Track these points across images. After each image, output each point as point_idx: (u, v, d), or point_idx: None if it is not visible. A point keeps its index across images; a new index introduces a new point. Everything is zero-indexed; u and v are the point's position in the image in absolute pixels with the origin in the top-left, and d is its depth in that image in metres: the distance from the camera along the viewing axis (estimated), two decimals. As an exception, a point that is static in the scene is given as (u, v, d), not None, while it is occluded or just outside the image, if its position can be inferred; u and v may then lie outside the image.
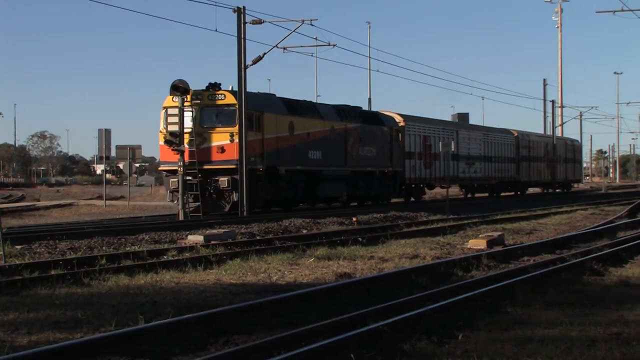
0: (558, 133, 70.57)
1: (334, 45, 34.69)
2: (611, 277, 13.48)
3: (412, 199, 42.19)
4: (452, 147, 31.53)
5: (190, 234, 20.10)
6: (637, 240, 18.67)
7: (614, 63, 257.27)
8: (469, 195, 53.53)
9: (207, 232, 20.39)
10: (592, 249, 17.13)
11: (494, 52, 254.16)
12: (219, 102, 29.01)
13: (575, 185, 72.91)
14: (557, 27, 79.35)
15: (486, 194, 53.76)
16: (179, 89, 28.13)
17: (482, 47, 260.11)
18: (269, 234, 21.76)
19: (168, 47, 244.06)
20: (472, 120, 61.18)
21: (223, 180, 28.38)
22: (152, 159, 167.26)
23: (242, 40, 30.53)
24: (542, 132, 71.98)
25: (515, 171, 55.64)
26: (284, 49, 34.39)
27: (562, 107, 78.84)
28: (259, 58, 31.56)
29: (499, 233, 19.84)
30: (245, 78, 30.46)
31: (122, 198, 52.03)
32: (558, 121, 75.59)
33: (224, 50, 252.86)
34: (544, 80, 74.60)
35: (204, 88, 29.27)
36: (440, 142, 43.35)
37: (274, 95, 32.60)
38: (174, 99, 28.67)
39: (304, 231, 23.21)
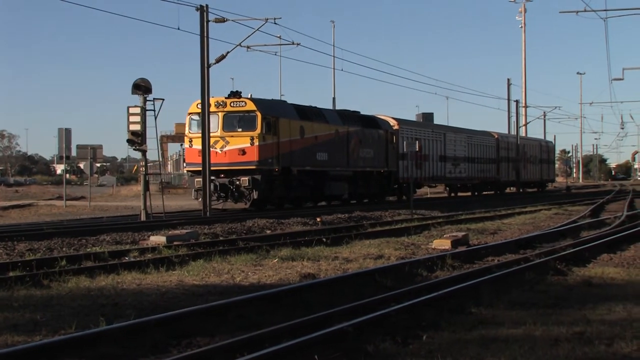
0: (522, 133, 71.21)
1: (297, 44, 34.71)
2: (574, 277, 13.62)
3: (404, 197, 43.99)
4: (417, 146, 31.80)
5: (153, 235, 19.99)
6: (599, 240, 18.90)
7: (577, 64, 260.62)
8: (452, 195, 55.37)
9: (170, 232, 20.29)
10: (555, 248, 17.29)
11: (458, 52, 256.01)
12: (240, 108, 31.54)
13: (550, 184, 74.73)
14: (521, 27, 79.88)
15: (468, 193, 56.00)
16: (140, 87, 27.94)
17: (446, 47, 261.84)
18: (233, 235, 21.70)
19: (129, 45, 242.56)
20: (437, 120, 61.89)
21: (244, 180, 30.87)
22: (114, 158, 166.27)
23: (205, 38, 30.41)
24: (506, 131, 72.78)
25: (496, 171, 57.98)
26: (248, 47, 34.33)
27: (526, 106, 79.40)
28: (222, 57, 31.46)
29: (463, 233, 19.96)
30: (208, 77, 30.38)
31: (83, 198, 51.57)
32: (522, 121, 76.29)
33: (187, 49, 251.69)
34: (508, 80, 74.91)
35: (226, 96, 31.83)
36: (430, 145, 44.52)
37: (286, 101, 35.25)
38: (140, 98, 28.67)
39: (268, 231, 23.18)
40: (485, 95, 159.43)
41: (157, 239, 19.02)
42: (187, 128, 32.47)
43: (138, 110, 28.09)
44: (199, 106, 31.26)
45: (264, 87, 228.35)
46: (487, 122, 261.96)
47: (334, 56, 59.23)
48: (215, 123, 31.29)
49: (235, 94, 31.96)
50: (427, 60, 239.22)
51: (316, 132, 35.18)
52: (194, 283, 12.78)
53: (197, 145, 31.27)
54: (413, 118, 56.46)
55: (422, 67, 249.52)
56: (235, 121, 31.61)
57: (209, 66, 30.42)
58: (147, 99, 28.09)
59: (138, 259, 15.76)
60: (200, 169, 30.55)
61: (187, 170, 33.30)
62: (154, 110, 28.53)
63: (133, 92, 28.31)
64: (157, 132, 28.40)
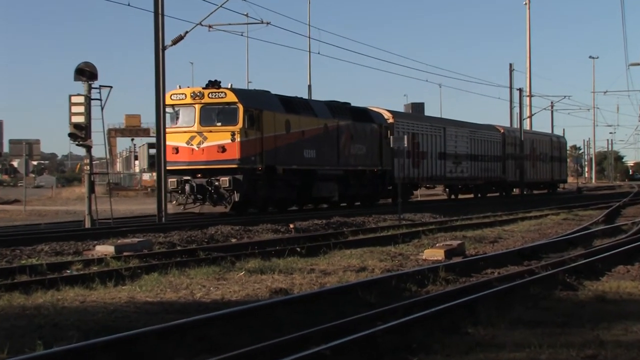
0: (526, 126, 71.59)
1: (267, 24, 34.73)
2: (586, 292, 13.72)
3: (401, 200, 43.69)
4: (405, 142, 31.91)
5: (99, 244, 19.93)
6: (615, 250, 19.04)
7: (590, 46, 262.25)
8: (453, 197, 55.91)
9: (119, 241, 20.23)
10: (564, 259, 17.41)
11: (452, 33, 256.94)
12: (220, 100, 32.00)
13: (561, 185, 75.12)
14: (525, 3, 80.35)
15: (471, 195, 56.55)
16: (84, 73, 27.82)
17: (439, 27, 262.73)
18: (192, 244, 21.67)
19: (71, 24, 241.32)
20: (428, 112, 62.21)
21: (224, 180, 31.31)
22: (53, 155, 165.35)
23: (160, 16, 30.30)
24: (508, 124, 73.11)
25: (502, 170, 58.46)
26: (210, 27, 34.26)
27: (530, 95, 79.84)
28: (180, 37, 31.38)
29: (459, 242, 20.06)
30: (163, 61, 30.28)
31: (17, 202, 51.26)
32: (527, 112, 76.67)
33: (140, 29, 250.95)
34: (510, 65, 75.31)
35: (204, 86, 32.22)
36: (428, 141, 44.92)
37: (269, 92, 35.37)
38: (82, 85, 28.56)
39: (233, 240, 23.16)
40: (484, 83, 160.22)
41: (104, 249, 18.94)
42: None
43: (82, 99, 27.96)
44: (174, 97, 32.01)
45: (228, 73, 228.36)
46: (487, 115, 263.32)
47: (309, 37, 59.12)
48: (192, 116, 31.88)
49: (214, 84, 32.35)
50: (416, 42, 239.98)
51: (303, 126, 35.75)
52: (147, 300, 12.75)
53: (172, 141, 31.62)
54: (401, 109, 56.65)
55: (411, 51, 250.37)
56: (214, 114, 32.11)
57: (164, 48, 30.32)
58: (93, 86, 27.95)
59: (82, 272, 15.68)
60: (175, 167, 31.25)
61: None
62: (101, 100, 28.40)
63: (76, 79, 28.17)
64: (104, 124, 28.35)
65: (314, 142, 36.44)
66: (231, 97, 32.02)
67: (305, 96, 52.41)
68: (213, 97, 32.07)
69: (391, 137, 32.84)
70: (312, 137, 36.32)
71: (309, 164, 36.06)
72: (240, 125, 31.71)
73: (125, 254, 18.15)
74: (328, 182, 37.47)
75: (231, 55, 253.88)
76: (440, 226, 27.60)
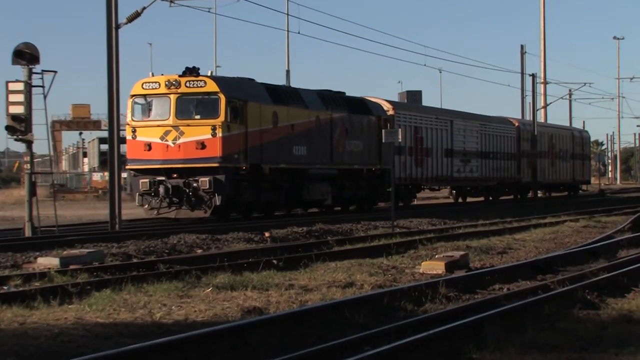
0: (540, 117, 71.80)
1: (239, -1, 34.78)
2: (609, 311, 13.77)
3: (401, 204, 45.02)
4: (399, 136, 31.94)
5: (41, 256, 19.85)
6: (643, 262, 19.09)
7: (614, 26, 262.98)
8: (460, 200, 56.42)
9: (65, 253, 20.18)
10: (584, 273, 17.46)
11: (454, 10, 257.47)
12: (198, 89, 32.21)
13: (584, 187, 75.43)
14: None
15: (481, 198, 57.00)
16: (24, 55, 27.72)
17: (440, 5, 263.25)
18: (151, 255, 21.63)
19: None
20: (426, 100, 62.39)
21: (204, 181, 31.46)
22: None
23: (114, -11, 30.27)
24: (519, 115, 73.42)
25: (517, 170, 58.77)
26: (171, 1, 34.20)
27: (545, 82, 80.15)
28: (137, 14, 31.30)
29: (462, 253, 20.09)
30: (117, 43, 30.23)
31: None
32: (541, 102, 76.90)
33: (90, 6, 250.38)
34: (522, 47, 75.71)
35: (180, 73, 32.30)
36: (433, 135, 45.13)
37: (254, 80, 35.64)
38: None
39: (199, 251, 23.13)
40: (492, 68, 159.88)
41: (48, 261, 18.87)
42: (128, 114, 32.98)
43: (21, 86, 27.90)
44: (146, 86, 32.20)
45: (193, 57, 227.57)
46: (495, 105, 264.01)
47: (287, 14, 59.22)
48: (166, 108, 32.04)
49: (191, 71, 32.47)
50: (412, 20, 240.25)
51: (292, 119, 36.06)
52: (98, 321, 12.72)
53: (143, 136, 31.87)
54: (394, 97, 56.78)
55: (406, 30, 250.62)
56: (192, 106, 32.28)
57: (117, 27, 30.27)
58: (34, 71, 27.87)
59: (21, 288, 15.62)
60: (147, 166, 31.64)
61: (130, 169, 34.17)
62: (43, 87, 28.33)
63: (14, 62, 28.07)
64: (47, 116, 28.26)
65: (304, 138, 36.69)
66: (212, 86, 32.16)
67: (283, 83, 52.38)
68: (191, 86, 32.17)
69: (383, 130, 32.84)
70: (303, 131, 36.58)
71: (299, 163, 36.34)
72: (222, 118, 31.85)
73: (72, 267, 18.08)
74: (320, 183, 37.81)
75: (197, 35, 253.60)
76: (440, 234, 27.63)
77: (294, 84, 55.17)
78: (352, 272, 18.21)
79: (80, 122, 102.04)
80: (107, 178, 37.87)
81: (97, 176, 76.27)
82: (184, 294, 15.19)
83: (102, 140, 77.07)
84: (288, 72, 63.58)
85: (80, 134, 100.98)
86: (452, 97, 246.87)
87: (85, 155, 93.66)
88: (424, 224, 33.82)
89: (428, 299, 14.62)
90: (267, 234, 26.18)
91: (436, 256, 20.01)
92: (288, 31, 61.92)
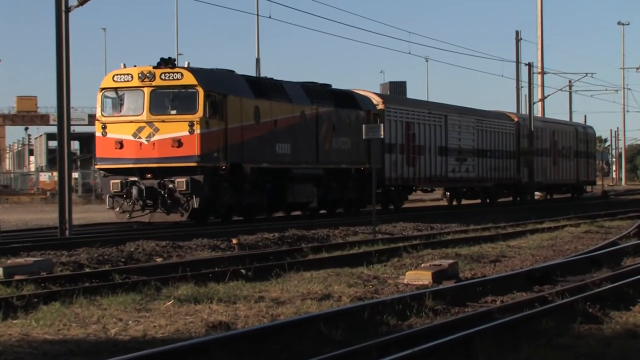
0: (537, 111, 72.07)
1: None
2: (613, 326, 13.83)
3: (392, 207, 46.09)
4: (381, 132, 31.98)
5: (-18, 266, 19.77)
6: (650, 271, 19.18)
7: (617, 10, 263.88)
8: (455, 203, 57.05)
9: (9, 262, 20.10)
10: (585, 284, 17.53)
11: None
12: (175, 82, 32.71)
13: (589, 188, 75.91)
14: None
15: (477, 200, 57.87)
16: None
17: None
18: (105, 264, 21.60)
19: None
20: (410, 92, 62.58)
21: (180, 182, 31.95)
22: None
23: (63, -32, 30.18)
24: (514, 108, 73.79)
25: (516, 169, 59.57)
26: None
27: (542, 72, 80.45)
28: (89, -5, 31.23)
29: (451, 261, 20.10)
30: (67, 28, 30.12)
31: None
32: (538, 94, 77.19)
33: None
34: (517, 33, 75.91)
35: (155, 65, 32.77)
36: (426, 132, 45.51)
37: (234, 72, 36.28)
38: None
39: (159, 259, 23.10)
40: (484, 56, 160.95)
41: (-10, 271, 18.79)
42: (98, 109, 33.47)
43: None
44: (118, 78, 32.80)
45: (153, 44, 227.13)
46: (487, 98, 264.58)
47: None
48: (140, 102, 32.55)
49: (167, 62, 32.88)
50: (396, 4, 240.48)
51: (275, 114, 36.72)
52: (46, 337, 12.69)
53: (115, 133, 32.26)
54: (376, 89, 56.90)
55: (389, 15, 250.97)
56: (168, 100, 32.80)
57: (67, 10, 30.19)
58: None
59: (-40, 301, 15.57)
60: (119, 166, 32.27)
61: (100, 168, 34.58)
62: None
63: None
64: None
65: (288, 135, 37.30)
66: (189, 79, 32.57)
67: (252, 73, 52.39)
68: (166, 78, 32.57)
69: (364, 125, 32.93)
70: (287, 128, 37.20)
71: (283, 162, 36.98)
72: (200, 113, 32.32)
73: (17, 277, 18.00)
74: (305, 184, 38.46)
75: (156, 21, 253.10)
76: (427, 241, 27.68)
77: (265, 74, 55.17)
78: (329, 283, 18.23)
79: (26, 116, 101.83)
80: (56, 178, 37.74)
81: (44, 176, 76.18)
82: (142, 308, 15.17)
83: (50, 137, 76.92)
84: (258, 60, 63.65)
85: (26, 129, 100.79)
86: (440, 89, 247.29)
87: (31, 153, 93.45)
88: (409, 229, 33.88)
89: (413, 312, 14.64)
90: (234, 241, 26.16)
91: (422, 265, 20.06)
92: (258, 15, 62.00)
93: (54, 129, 46.96)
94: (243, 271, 19.54)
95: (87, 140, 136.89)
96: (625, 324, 13.86)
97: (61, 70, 29.96)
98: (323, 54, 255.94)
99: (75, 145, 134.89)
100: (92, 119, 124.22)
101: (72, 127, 33.03)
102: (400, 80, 61.01)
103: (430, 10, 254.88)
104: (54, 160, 52.24)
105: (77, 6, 30.77)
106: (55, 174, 39.10)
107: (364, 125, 33.11)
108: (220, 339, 11.86)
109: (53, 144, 75.00)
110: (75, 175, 72.94)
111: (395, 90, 57.89)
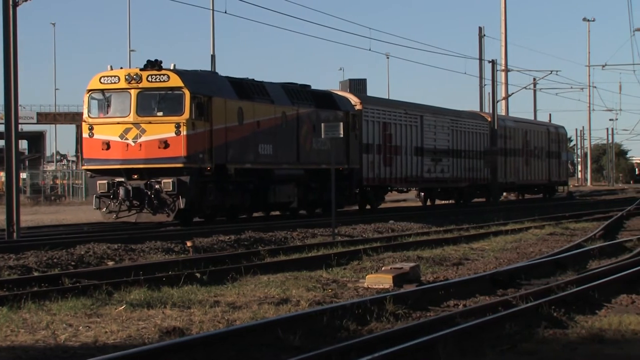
0: (501, 110, 72.39)
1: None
2: (578, 330, 13.89)
3: (368, 207, 47.13)
4: (340, 131, 32.03)
5: None
6: (616, 274, 19.27)
7: (583, 7, 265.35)
8: (429, 204, 57.67)
9: (-46, 265, 19.98)
10: (550, 287, 17.58)
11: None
12: (161, 84, 33.91)
13: (560, 189, 76.82)
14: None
15: (451, 201, 59.00)
16: None
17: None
18: (55, 268, 21.53)
19: None
20: (371, 90, 62.87)
21: (167, 183, 33.07)
22: None
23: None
24: (477, 106, 74.29)
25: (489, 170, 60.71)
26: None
27: (506, 70, 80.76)
28: (38, -11, 31.10)
29: (412, 264, 20.15)
30: (14, 22, 29.94)
31: None
32: (502, 92, 77.45)
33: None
34: (480, 29, 76.20)
35: (142, 67, 34.06)
36: (402, 132, 45.96)
37: (217, 73, 38.53)
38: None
39: (110, 263, 23.04)
40: (447, 53, 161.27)
41: None
42: (85, 111, 34.72)
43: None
44: (105, 80, 33.94)
45: (103, 39, 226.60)
46: (450, 96, 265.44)
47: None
48: (126, 104, 33.73)
49: (153, 64, 33.97)
50: (357, 0, 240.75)
51: (258, 115, 37.99)
52: (-8, 344, 12.62)
53: (101, 134, 33.29)
54: (335, 86, 56.92)
55: (349, 11, 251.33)
56: (155, 102, 34.04)
57: (15, 4, 30.03)
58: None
59: None
60: (106, 167, 33.51)
61: (87, 169, 35.75)
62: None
63: None
64: None
65: (270, 135, 38.49)
66: (175, 81, 33.72)
67: (209, 69, 52.36)
68: (153, 80, 33.69)
69: (323, 124, 33.09)
70: (269, 129, 38.43)
71: (265, 163, 38.26)
72: (186, 115, 33.51)
73: (-38, 282, 17.94)
74: (286, 185, 39.73)
75: (107, 14, 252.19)
76: (387, 243, 27.71)
77: (220, 71, 55.09)
78: (286, 287, 18.23)
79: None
80: (3, 179, 37.52)
81: (-10, 176, 75.53)
82: (93, 313, 15.11)
83: (-5, 135, 76.40)
84: (213, 57, 63.45)
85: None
86: (401, 87, 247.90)
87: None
88: (369, 231, 33.93)
89: (374, 317, 14.66)
90: (189, 244, 26.12)
91: (383, 268, 20.06)
92: (213, 10, 61.89)
93: (0, 128, 46.69)
94: (198, 275, 19.52)
95: (36, 139, 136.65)
96: (591, 329, 13.91)
97: (9, 65, 29.77)
98: (281, 51, 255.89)
99: (23, 144, 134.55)
100: (40, 117, 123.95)
101: (20, 126, 32.94)
102: (361, 78, 60.96)
103: (392, 6, 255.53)
104: (1, 160, 51.89)
105: (25, 0, 30.61)
106: (2, 174, 38.85)
107: (322, 124, 33.30)
108: (174, 345, 11.83)
109: (0, 143, 74.39)
110: (23, 175, 72.46)
111: (355, 88, 57.91)
